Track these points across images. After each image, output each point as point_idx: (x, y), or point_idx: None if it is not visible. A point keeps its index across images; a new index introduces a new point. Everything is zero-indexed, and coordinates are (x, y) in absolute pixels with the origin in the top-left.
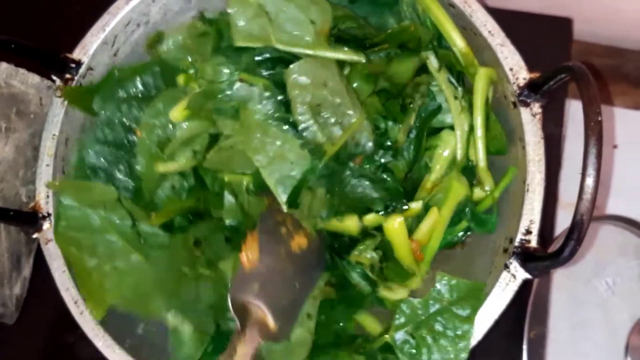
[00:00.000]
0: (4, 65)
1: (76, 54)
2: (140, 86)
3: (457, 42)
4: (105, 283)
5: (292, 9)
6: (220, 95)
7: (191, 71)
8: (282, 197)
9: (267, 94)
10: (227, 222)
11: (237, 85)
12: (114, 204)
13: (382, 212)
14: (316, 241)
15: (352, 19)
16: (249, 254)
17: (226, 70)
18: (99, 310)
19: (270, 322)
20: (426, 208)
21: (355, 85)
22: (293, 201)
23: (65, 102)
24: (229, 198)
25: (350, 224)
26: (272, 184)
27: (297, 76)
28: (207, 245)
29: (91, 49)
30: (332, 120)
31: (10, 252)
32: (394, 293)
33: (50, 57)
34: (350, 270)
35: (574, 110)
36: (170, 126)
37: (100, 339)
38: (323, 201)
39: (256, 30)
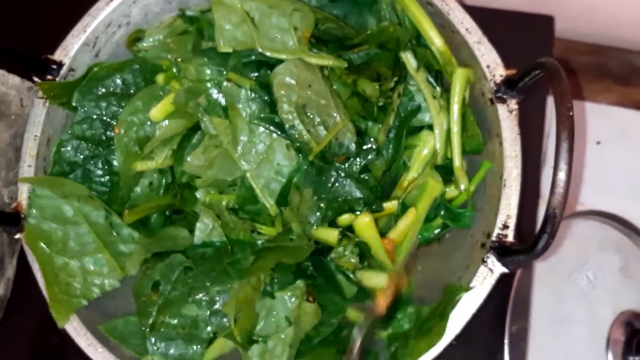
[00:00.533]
0: None
1: (57, 56)
2: (119, 83)
3: (435, 40)
4: (72, 285)
5: (276, 16)
6: (206, 94)
7: (173, 70)
8: (269, 201)
9: (253, 95)
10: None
11: (226, 84)
12: (87, 198)
13: (359, 212)
14: None
15: (332, 21)
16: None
17: (208, 71)
18: (62, 316)
19: None
20: (403, 207)
21: (335, 87)
22: (282, 201)
23: (47, 103)
24: (205, 222)
25: (330, 234)
26: (259, 189)
27: (283, 77)
28: (166, 283)
29: (72, 50)
30: (317, 120)
31: None
32: (372, 279)
33: (31, 59)
34: (335, 272)
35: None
36: (149, 124)
37: (83, 338)
38: (310, 203)
39: (241, 35)
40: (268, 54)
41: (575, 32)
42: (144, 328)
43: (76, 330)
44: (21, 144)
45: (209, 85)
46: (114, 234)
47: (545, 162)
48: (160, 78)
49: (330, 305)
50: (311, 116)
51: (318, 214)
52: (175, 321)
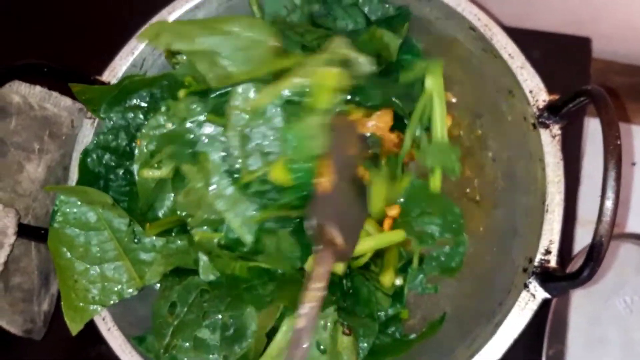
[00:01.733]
0: (38, 88)
1: (105, 77)
2: (147, 97)
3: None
4: (90, 292)
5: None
6: (186, 137)
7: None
8: (247, 238)
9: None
10: (203, 278)
11: (205, 126)
12: (111, 206)
13: None
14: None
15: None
16: (324, 179)
17: (197, 108)
18: (76, 323)
19: (341, 242)
20: None
21: None
22: (258, 248)
23: (95, 123)
24: (203, 258)
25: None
26: (237, 227)
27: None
28: (182, 305)
29: (120, 71)
30: (258, 152)
31: (39, 270)
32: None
33: (82, 80)
34: (371, 288)
35: (593, 128)
36: None
37: (127, 355)
38: (290, 241)
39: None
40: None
41: (611, 52)
42: (158, 349)
43: (121, 347)
44: (69, 164)
45: (192, 127)
46: (135, 241)
47: (581, 183)
48: (181, 94)
49: (360, 328)
50: (252, 147)
51: (301, 248)
52: (187, 344)
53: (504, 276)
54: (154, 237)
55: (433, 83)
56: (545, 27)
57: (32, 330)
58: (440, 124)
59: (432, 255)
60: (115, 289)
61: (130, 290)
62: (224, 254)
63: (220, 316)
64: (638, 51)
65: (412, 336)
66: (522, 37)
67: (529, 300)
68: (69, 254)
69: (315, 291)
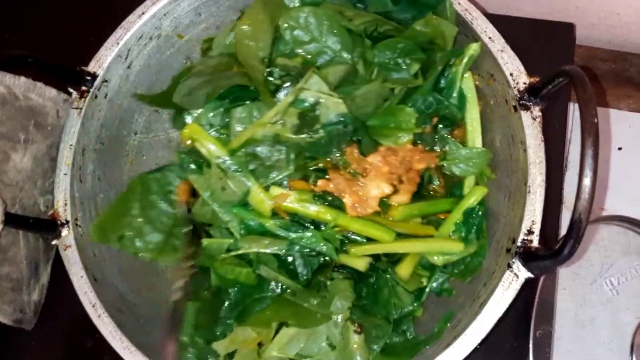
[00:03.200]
0: (23, 79)
1: (91, 67)
2: None
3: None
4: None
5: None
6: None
7: None
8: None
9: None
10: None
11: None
12: None
13: None
14: None
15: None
16: None
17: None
18: (97, 236)
19: None
20: None
21: None
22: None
23: (82, 113)
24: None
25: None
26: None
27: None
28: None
29: (106, 62)
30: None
31: (28, 260)
32: None
33: (67, 71)
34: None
35: (577, 114)
36: None
37: (118, 341)
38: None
39: None
40: None
41: (595, 38)
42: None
43: (112, 334)
44: (57, 154)
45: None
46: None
47: (567, 168)
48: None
49: (374, 329)
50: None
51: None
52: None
53: (488, 258)
54: None
55: (467, 89)
56: (530, 14)
57: (22, 320)
58: (476, 131)
59: (459, 259)
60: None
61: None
62: (230, 259)
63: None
64: (622, 37)
65: (422, 337)
66: (507, 24)
67: (513, 280)
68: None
69: (185, 270)
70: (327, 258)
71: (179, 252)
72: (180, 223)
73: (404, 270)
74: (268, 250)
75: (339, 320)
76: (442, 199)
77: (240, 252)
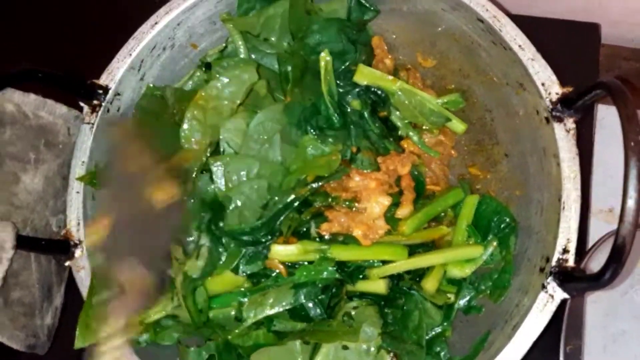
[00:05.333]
0: (32, 96)
1: (103, 80)
2: None
3: None
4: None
5: None
6: None
7: None
8: None
9: None
10: None
11: None
12: None
13: None
14: None
15: None
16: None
17: None
18: (83, 339)
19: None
20: None
21: None
22: None
23: (94, 129)
24: None
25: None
26: None
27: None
28: None
29: (118, 74)
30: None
31: (40, 283)
32: None
33: (78, 85)
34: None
35: (602, 114)
36: None
37: None
38: None
39: None
40: None
41: (619, 37)
42: None
43: (126, 357)
44: (68, 173)
45: None
46: None
47: (593, 171)
48: None
49: (407, 355)
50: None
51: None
52: None
53: (520, 276)
54: None
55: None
56: (552, 14)
57: (35, 345)
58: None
59: (486, 274)
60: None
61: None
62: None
63: None
64: None
65: (457, 358)
66: (529, 25)
67: (548, 301)
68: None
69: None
70: (334, 289)
71: None
72: None
73: (430, 284)
74: (275, 311)
75: (372, 349)
76: (444, 193)
77: (249, 323)
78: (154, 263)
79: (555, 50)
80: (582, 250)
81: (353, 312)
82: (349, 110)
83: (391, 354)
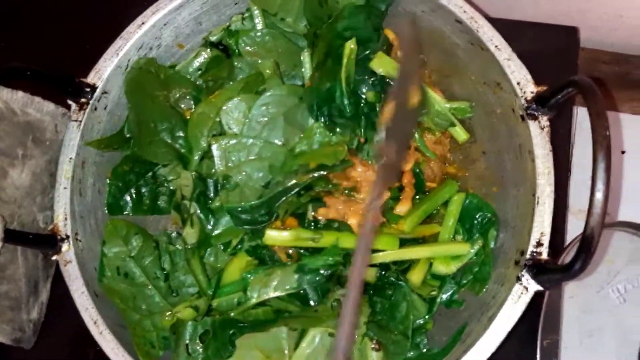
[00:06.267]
0: (20, 94)
1: (91, 79)
2: None
3: None
4: (148, 339)
5: None
6: None
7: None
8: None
9: None
10: None
11: None
12: (154, 259)
13: None
14: None
15: None
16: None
17: None
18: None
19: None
20: None
21: None
22: None
23: (81, 126)
24: None
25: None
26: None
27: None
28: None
29: (105, 73)
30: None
31: (27, 278)
32: None
33: (66, 82)
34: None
35: (582, 118)
36: None
37: (120, 358)
38: None
39: None
40: None
41: (598, 41)
42: None
43: (114, 351)
44: (56, 170)
45: None
46: (174, 295)
47: (571, 172)
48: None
49: (392, 345)
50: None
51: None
52: None
53: (496, 269)
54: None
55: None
56: (532, 18)
57: (21, 339)
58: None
59: (466, 268)
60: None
61: None
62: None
63: None
64: (625, 40)
65: (435, 350)
66: (509, 28)
67: (522, 293)
68: (123, 306)
69: (375, 210)
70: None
71: None
72: None
73: (416, 276)
74: (277, 294)
75: (356, 336)
76: (440, 188)
77: (252, 303)
78: None
79: (535, 53)
80: (560, 248)
81: (342, 299)
82: (362, 100)
83: (373, 341)
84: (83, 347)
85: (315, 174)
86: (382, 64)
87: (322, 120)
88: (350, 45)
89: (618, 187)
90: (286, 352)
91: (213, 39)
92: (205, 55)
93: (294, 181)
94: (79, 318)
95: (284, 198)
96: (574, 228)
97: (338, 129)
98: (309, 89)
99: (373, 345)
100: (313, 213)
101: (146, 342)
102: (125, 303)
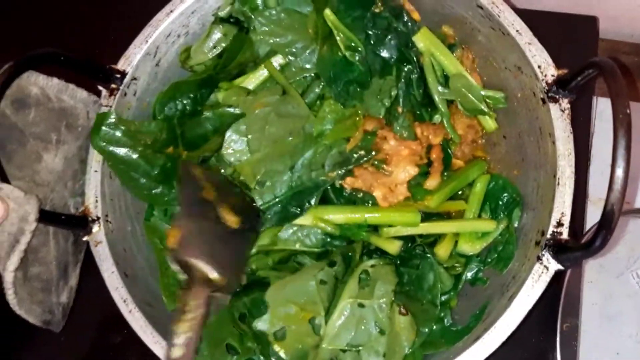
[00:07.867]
0: (56, 80)
1: (120, 65)
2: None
3: None
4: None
5: None
6: None
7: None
8: None
9: None
10: None
11: None
12: None
13: None
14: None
15: None
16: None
17: None
18: (170, 301)
19: (215, 276)
20: None
21: None
22: None
23: (112, 111)
24: None
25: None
26: None
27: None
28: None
29: (134, 59)
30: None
31: (58, 261)
32: None
33: (97, 69)
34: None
35: (601, 108)
36: None
37: (149, 336)
38: None
39: None
40: None
41: (618, 32)
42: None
43: (142, 329)
44: (86, 156)
45: None
46: None
47: (590, 162)
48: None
49: (421, 313)
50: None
51: None
52: None
53: (518, 250)
54: None
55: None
56: (552, 7)
57: (50, 321)
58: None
59: (491, 248)
60: None
61: None
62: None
63: None
64: None
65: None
66: (531, 18)
67: (542, 272)
68: (160, 245)
69: (190, 321)
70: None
71: None
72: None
73: (443, 250)
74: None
75: (384, 305)
76: (469, 166)
77: (279, 246)
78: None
79: (554, 42)
80: (579, 235)
81: (370, 271)
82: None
83: (400, 307)
84: (110, 332)
85: (343, 170)
86: (423, 39)
87: (339, 90)
88: None
89: (637, 175)
90: (320, 304)
91: (222, 14)
92: (218, 33)
93: (323, 178)
94: (106, 305)
95: (315, 193)
96: (593, 217)
97: (353, 101)
98: (320, 59)
99: (400, 310)
100: (340, 182)
101: (175, 283)
102: (163, 242)
